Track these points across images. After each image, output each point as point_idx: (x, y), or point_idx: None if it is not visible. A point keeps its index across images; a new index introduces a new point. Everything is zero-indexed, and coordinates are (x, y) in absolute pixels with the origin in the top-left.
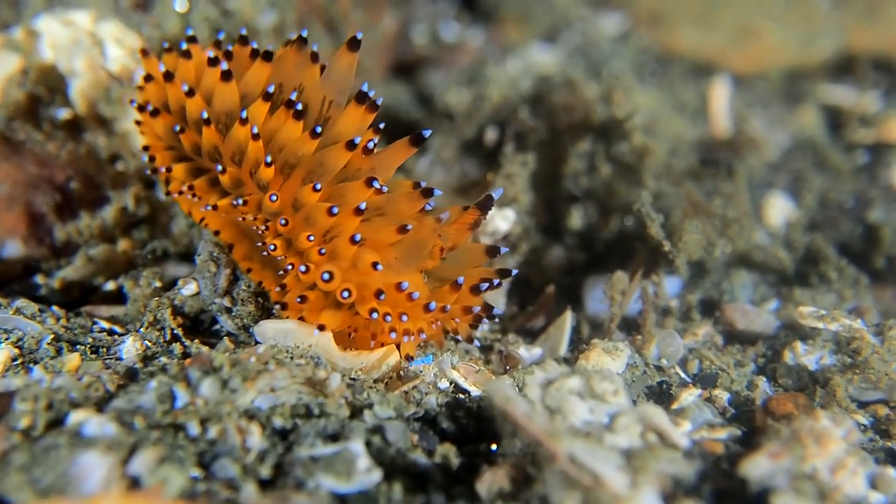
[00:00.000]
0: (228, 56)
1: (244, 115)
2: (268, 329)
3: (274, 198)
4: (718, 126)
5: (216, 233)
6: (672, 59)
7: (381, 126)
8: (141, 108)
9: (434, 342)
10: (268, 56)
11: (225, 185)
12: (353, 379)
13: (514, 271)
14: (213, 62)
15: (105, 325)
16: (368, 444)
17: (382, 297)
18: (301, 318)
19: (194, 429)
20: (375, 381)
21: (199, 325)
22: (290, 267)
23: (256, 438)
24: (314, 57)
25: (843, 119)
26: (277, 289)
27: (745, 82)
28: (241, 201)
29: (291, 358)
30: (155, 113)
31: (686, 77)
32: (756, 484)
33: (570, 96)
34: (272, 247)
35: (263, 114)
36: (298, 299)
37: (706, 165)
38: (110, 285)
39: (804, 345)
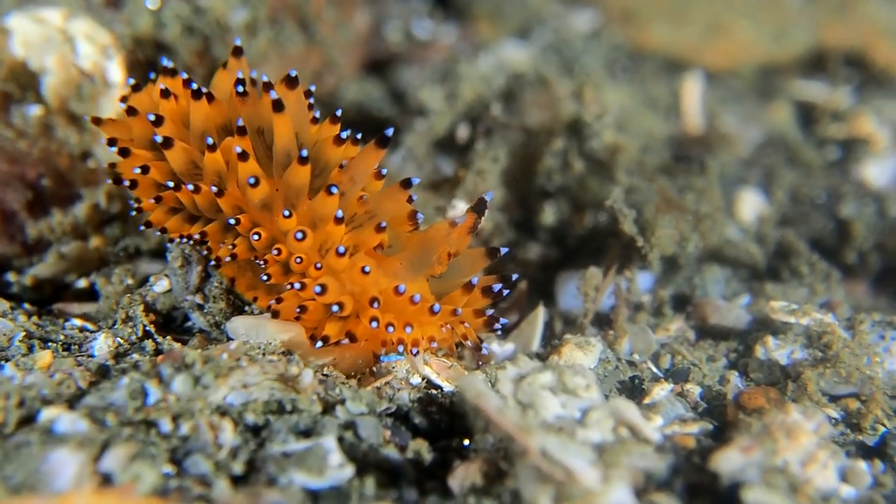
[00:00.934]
0: (189, 84)
1: (214, 189)
2: (240, 325)
3: (256, 237)
4: (690, 122)
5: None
6: (644, 55)
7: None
8: (117, 179)
9: (445, 349)
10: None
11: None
12: (326, 375)
13: (505, 249)
14: (155, 123)
15: (77, 322)
16: (341, 439)
17: (376, 304)
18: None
19: (166, 425)
20: (348, 377)
21: (172, 322)
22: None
23: (229, 435)
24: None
25: (816, 114)
26: (272, 302)
27: (718, 78)
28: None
29: (264, 354)
30: (133, 185)
31: (658, 73)
32: (727, 478)
33: (543, 93)
34: (265, 277)
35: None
36: (298, 309)
37: (678, 161)
38: (82, 282)
39: (775, 339)
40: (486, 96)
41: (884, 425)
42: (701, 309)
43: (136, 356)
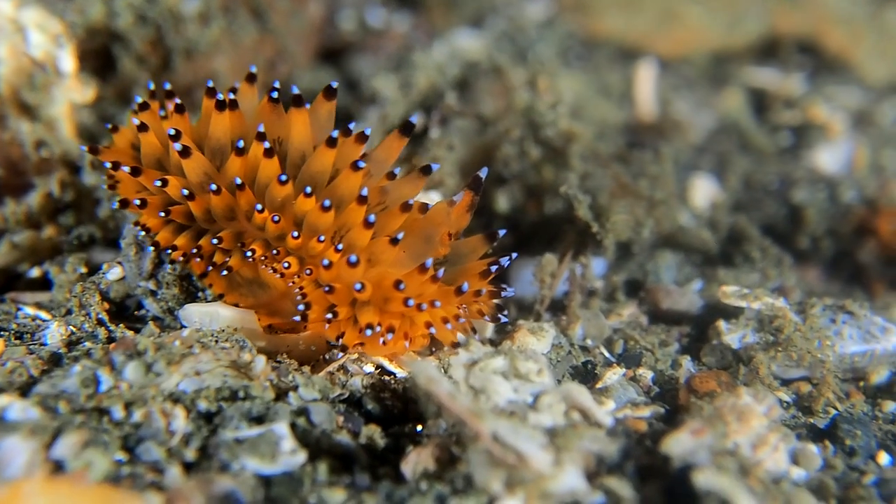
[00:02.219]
0: (181, 109)
1: (214, 186)
2: (193, 312)
3: (276, 218)
4: (644, 109)
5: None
6: (598, 43)
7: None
8: (124, 203)
9: (462, 331)
10: (221, 106)
11: (226, 246)
12: (279, 362)
13: (502, 231)
14: (173, 138)
15: (30, 311)
16: (294, 426)
17: (402, 286)
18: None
19: (118, 413)
20: (301, 363)
21: (125, 311)
22: (300, 294)
23: (181, 422)
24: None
25: (768, 101)
26: (297, 318)
27: (671, 66)
28: (250, 252)
29: (217, 341)
30: (143, 204)
31: (612, 61)
32: (678, 460)
33: (497, 82)
34: (286, 265)
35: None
36: (329, 315)
37: (632, 148)
38: (35, 272)
39: (727, 324)
40: (441, 85)
41: (835, 408)
42: (653, 294)
43: (88, 344)
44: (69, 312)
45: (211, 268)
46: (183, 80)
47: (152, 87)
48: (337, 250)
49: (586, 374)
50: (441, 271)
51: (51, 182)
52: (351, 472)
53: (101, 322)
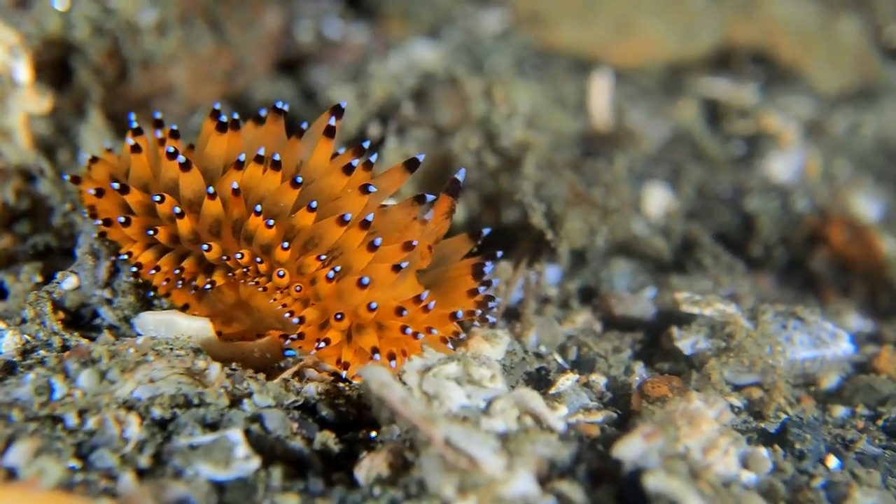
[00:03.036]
0: (176, 135)
1: (210, 189)
2: (148, 321)
3: (271, 223)
4: (599, 119)
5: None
6: (553, 54)
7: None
8: (107, 222)
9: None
10: (223, 127)
11: (212, 259)
12: (234, 369)
13: (487, 230)
14: (171, 156)
15: None
16: (248, 432)
17: (404, 313)
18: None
19: (72, 420)
20: (256, 370)
21: (80, 320)
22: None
23: (135, 429)
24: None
25: (722, 111)
26: (294, 337)
27: (626, 76)
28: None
29: (171, 349)
30: (127, 223)
31: (568, 72)
32: (629, 464)
33: (453, 92)
34: (280, 273)
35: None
36: (321, 344)
37: (587, 157)
38: None
39: (679, 330)
40: (397, 95)
41: (786, 413)
42: (607, 301)
43: (42, 353)
44: (24, 321)
45: (193, 291)
46: (140, 91)
47: (134, 120)
48: (334, 271)
49: (540, 381)
50: (432, 304)
51: (6, 191)
52: (305, 477)
53: (55, 331)
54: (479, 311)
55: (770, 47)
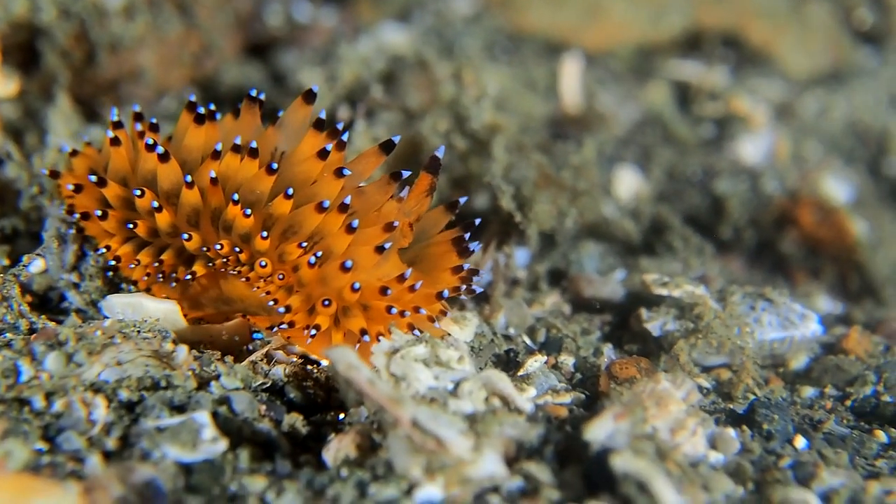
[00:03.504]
0: (155, 128)
1: (188, 178)
2: (115, 303)
3: (248, 212)
4: (569, 102)
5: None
6: (524, 37)
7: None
8: (85, 216)
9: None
10: (200, 119)
11: (192, 249)
12: (201, 352)
13: (463, 199)
14: (150, 148)
15: None
16: (215, 414)
17: (389, 292)
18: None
19: (39, 402)
20: (224, 353)
21: (48, 303)
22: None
23: (102, 411)
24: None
25: (692, 94)
26: (283, 326)
27: (597, 59)
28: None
29: (138, 332)
30: (104, 216)
31: (538, 55)
32: (597, 444)
33: (423, 76)
34: (262, 263)
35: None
36: (313, 331)
37: (557, 140)
38: None
39: (648, 311)
40: (366, 78)
41: (754, 394)
42: (576, 283)
43: (9, 335)
44: None
45: (174, 284)
46: (108, 74)
47: (115, 114)
48: (316, 257)
49: (508, 363)
50: (419, 284)
51: None
52: (272, 459)
53: (22, 314)
54: (463, 287)
55: (740, 30)
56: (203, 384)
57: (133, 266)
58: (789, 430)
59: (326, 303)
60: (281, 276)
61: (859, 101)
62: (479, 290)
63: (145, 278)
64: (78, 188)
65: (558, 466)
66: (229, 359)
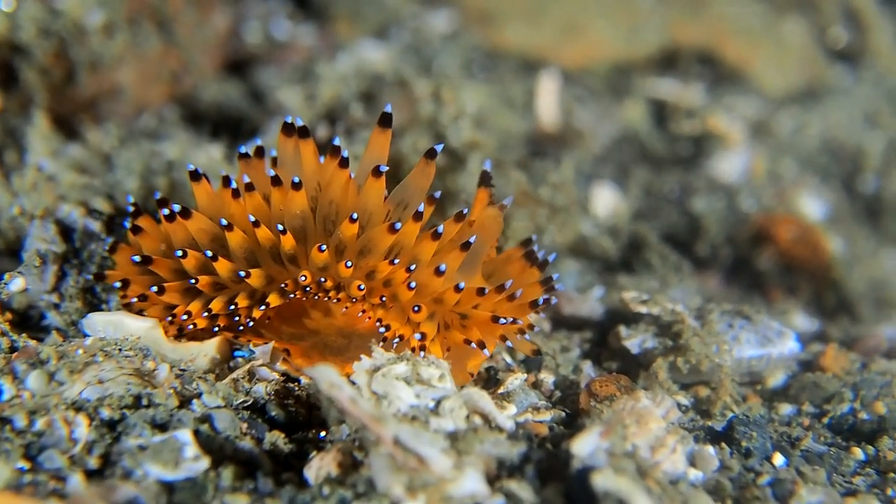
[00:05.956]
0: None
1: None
2: (96, 321)
3: (323, 248)
4: (546, 120)
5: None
6: (502, 55)
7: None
8: (143, 298)
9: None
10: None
11: (258, 285)
12: (183, 370)
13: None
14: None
15: None
16: (197, 432)
17: (485, 292)
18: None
19: (20, 421)
20: (206, 371)
21: (28, 321)
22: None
23: (84, 429)
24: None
25: (669, 111)
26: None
27: (574, 77)
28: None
29: (120, 350)
30: (161, 291)
31: (516, 73)
32: (578, 462)
33: (402, 94)
34: (360, 287)
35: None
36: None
37: (535, 157)
38: None
39: (627, 329)
40: (346, 96)
41: (732, 411)
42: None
43: None
44: None
45: (246, 325)
46: (87, 92)
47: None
48: (409, 270)
49: (488, 380)
50: (520, 292)
51: None
52: (254, 477)
53: (3, 332)
54: (547, 297)
55: (715, 47)
56: (185, 402)
57: (206, 315)
58: (768, 447)
59: (416, 309)
60: (382, 298)
61: (834, 118)
62: (555, 301)
63: (218, 327)
64: (125, 283)
65: (539, 485)
66: (211, 377)
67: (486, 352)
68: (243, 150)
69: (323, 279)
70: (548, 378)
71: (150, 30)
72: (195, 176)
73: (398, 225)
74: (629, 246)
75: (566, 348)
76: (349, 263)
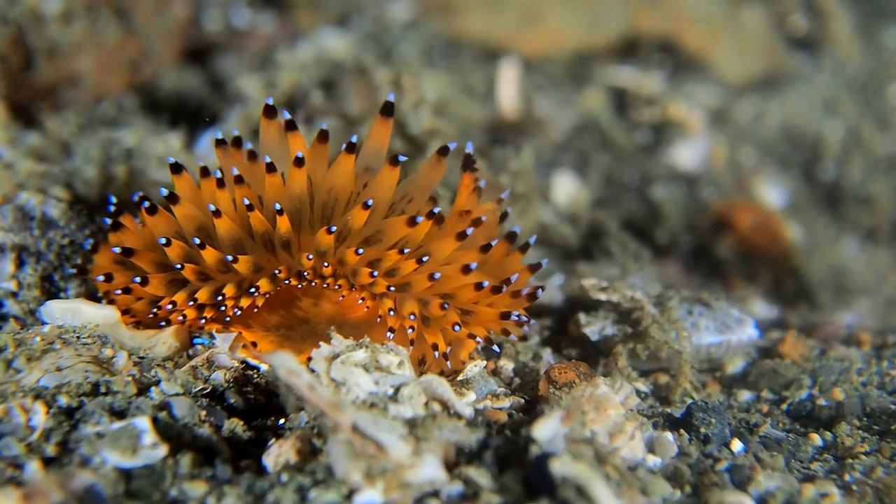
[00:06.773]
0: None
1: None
2: (54, 309)
3: (333, 228)
4: (507, 108)
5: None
6: (462, 43)
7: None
8: (127, 291)
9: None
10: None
11: (245, 271)
12: (142, 357)
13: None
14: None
15: None
16: (155, 420)
17: (504, 289)
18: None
19: None
20: (164, 359)
21: None
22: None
23: (41, 417)
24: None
25: (629, 99)
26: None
27: (534, 65)
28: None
29: (78, 337)
30: (144, 282)
31: (476, 61)
32: (537, 448)
33: (362, 82)
34: (374, 273)
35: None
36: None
37: (494, 145)
38: None
39: (586, 316)
40: (305, 84)
41: (691, 397)
42: None
43: None
44: None
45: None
46: (45, 80)
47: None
48: (421, 261)
49: None
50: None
51: None
52: (213, 465)
53: None
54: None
55: (676, 35)
56: (143, 390)
57: (191, 305)
58: (726, 433)
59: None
60: (391, 288)
61: (794, 106)
62: (541, 293)
63: (205, 319)
64: (108, 277)
65: (498, 471)
66: (170, 364)
67: (479, 339)
68: (219, 135)
69: (325, 264)
70: (507, 365)
71: (109, 17)
72: (176, 168)
73: (419, 219)
74: (589, 233)
75: (525, 335)
76: (360, 251)
